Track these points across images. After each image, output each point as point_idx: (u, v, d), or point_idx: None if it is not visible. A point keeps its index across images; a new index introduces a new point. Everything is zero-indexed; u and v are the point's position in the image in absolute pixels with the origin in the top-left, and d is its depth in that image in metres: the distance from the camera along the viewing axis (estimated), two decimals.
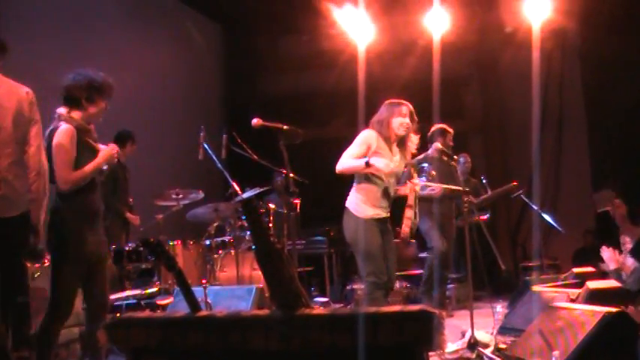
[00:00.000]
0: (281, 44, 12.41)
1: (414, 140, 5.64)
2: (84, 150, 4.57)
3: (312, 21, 9.51)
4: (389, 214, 5.58)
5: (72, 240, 4.53)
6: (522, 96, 9.76)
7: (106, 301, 4.82)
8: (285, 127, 5.16)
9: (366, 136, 5.49)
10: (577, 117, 11.01)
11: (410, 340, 2.94)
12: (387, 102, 5.62)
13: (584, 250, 10.06)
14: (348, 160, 5.42)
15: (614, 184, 9.91)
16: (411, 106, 5.56)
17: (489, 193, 9.05)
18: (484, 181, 9.20)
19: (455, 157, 5.98)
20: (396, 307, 3.20)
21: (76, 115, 4.62)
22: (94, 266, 4.68)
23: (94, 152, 4.65)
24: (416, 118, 5.58)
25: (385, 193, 5.49)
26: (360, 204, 5.45)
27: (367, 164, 5.30)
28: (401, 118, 5.48)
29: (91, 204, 4.65)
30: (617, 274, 5.79)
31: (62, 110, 4.63)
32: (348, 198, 5.57)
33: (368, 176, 5.44)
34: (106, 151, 4.70)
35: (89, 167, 4.55)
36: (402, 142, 5.59)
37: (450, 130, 7.31)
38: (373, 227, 5.42)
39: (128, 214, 7.65)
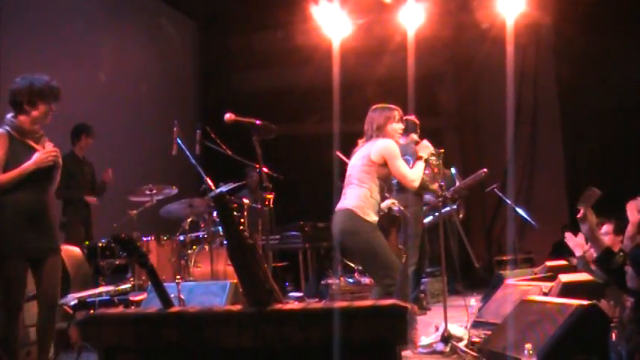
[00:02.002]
0: (255, 40, 12.38)
1: (413, 140, 5.66)
2: (20, 152, 4.76)
3: (287, 17, 9.52)
4: None
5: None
6: (497, 92, 9.80)
7: (50, 298, 4.92)
8: (257, 122, 5.15)
9: (397, 148, 5.43)
10: (551, 112, 11.07)
11: (382, 335, 2.94)
12: (375, 107, 5.55)
13: (561, 244, 10.12)
14: (413, 172, 5.40)
15: (588, 179, 10.03)
16: (399, 110, 5.55)
17: (458, 183, 9.10)
18: (454, 172, 9.24)
19: (440, 150, 5.97)
20: (368, 302, 3.21)
21: (22, 118, 4.81)
22: (37, 263, 4.82)
23: (32, 154, 4.80)
24: (415, 121, 5.60)
25: (382, 194, 5.50)
26: (367, 208, 5.32)
27: (422, 159, 5.45)
28: (396, 124, 5.47)
29: (19, 203, 4.76)
30: (583, 262, 5.82)
31: (8, 115, 4.85)
32: (352, 202, 5.37)
33: (377, 182, 5.39)
34: (39, 155, 4.80)
35: (14, 172, 4.71)
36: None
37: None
38: (378, 230, 5.38)
39: (87, 198, 7.62)
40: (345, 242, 5.48)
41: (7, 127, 4.79)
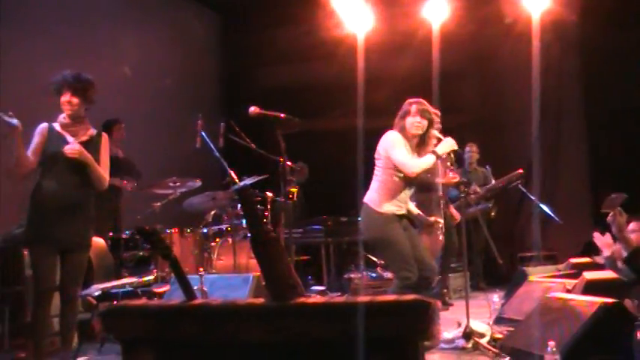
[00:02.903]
0: (279, 34, 12.36)
1: (433, 137, 5.62)
2: (52, 144, 4.97)
3: (311, 11, 9.48)
4: (406, 212, 5.55)
5: (29, 224, 4.95)
6: (521, 88, 9.72)
7: (70, 292, 5.02)
8: (282, 115, 5.15)
9: (397, 137, 5.47)
10: (576, 109, 10.98)
11: (405, 330, 2.93)
12: (407, 101, 5.62)
13: (591, 243, 10.05)
14: (414, 160, 5.40)
15: (612, 177, 9.95)
16: (422, 104, 5.52)
17: (493, 182, 9.08)
18: (488, 169, 9.22)
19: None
20: (391, 297, 3.20)
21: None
22: (64, 255, 4.95)
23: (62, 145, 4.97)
24: (432, 115, 5.56)
25: (405, 190, 5.48)
26: (380, 200, 5.40)
27: (436, 154, 5.38)
28: (411, 117, 5.48)
29: (52, 193, 4.91)
30: (611, 261, 5.78)
31: None
32: (368, 195, 5.51)
33: (393, 173, 5.42)
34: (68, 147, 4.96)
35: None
36: (422, 141, 5.58)
37: None
38: (393, 221, 5.39)
39: (115, 182, 7.66)
40: (364, 235, 5.58)
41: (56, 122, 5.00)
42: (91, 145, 5.06)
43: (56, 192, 4.91)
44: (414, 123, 5.46)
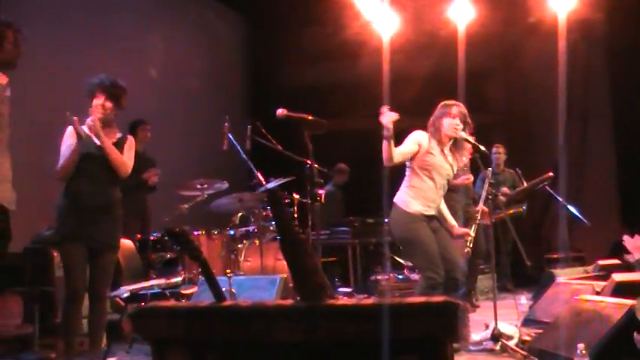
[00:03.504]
0: (304, 35, 12.40)
1: (466, 140, 5.60)
2: (82, 146, 5.04)
3: (336, 12, 9.48)
4: (436, 213, 5.55)
5: (60, 223, 5.04)
6: (547, 88, 9.68)
7: (99, 293, 5.12)
8: (309, 117, 5.16)
9: (417, 136, 5.48)
10: (603, 109, 10.91)
11: (434, 332, 2.93)
12: (441, 103, 5.61)
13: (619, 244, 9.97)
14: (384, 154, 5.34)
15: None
16: (462, 107, 5.52)
17: (525, 184, 9.03)
18: (518, 171, 9.19)
19: (482, 148, 5.92)
20: (420, 299, 3.19)
21: None
22: (93, 255, 5.03)
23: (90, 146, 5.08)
24: (469, 120, 5.55)
25: (435, 191, 5.47)
26: (409, 200, 5.41)
27: (386, 134, 5.20)
28: (450, 119, 5.47)
29: (82, 193, 5.02)
30: None
31: None
32: (397, 194, 5.54)
33: (420, 174, 5.42)
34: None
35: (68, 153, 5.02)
36: (455, 144, 5.57)
37: None
38: (420, 221, 5.39)
39: (144, 176, 7.70)
40: (392, 234, 5.61)
41: (83, 126, 5.06)
42: (118, 147, 5.18)
43: (88, 192, 5.01)
44: (452, 124, 5.46)
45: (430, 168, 5.42)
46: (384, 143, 5.18)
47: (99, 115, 5.06)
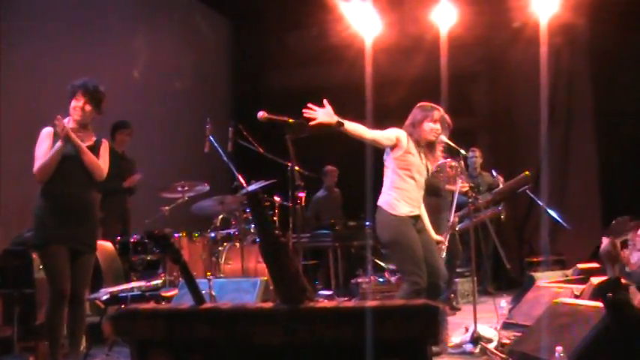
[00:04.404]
0: (289, 39, 12.41)
1: (441, 143, 5.61)
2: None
3: (320, 16, 9.50)
4: (419, 213, 5.54)
5: (37, 226, 5.01)
6: (531, 92, 9.73)
7: (78, 294, 5.07)
8: (291, 120, 5.16)
9: (399, 131, 5.47)
10: (586, 113, 10.96)
11: (413, 334, 2.94)
12: (419, 105, 5.59)
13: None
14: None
15: (622, 181, 9.93)
16: (442, 112, 5.53)
17: (502, 186, 9.06)
18: (495, 175, 9.21)
19: (463, 151, 5.94)
20: (400, 302, 3.21)
21: None
22: (72, 256, 5.00)
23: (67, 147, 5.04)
24: (449, 123, 5.56)
25: (417, 190, 5.47)
26: (394, 202, 5.40)
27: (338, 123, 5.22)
28: (431, 123, 5.46)
29: (61, 195, 4.99)
30: (616, 263, 5.78)
31: None
32: (381, 198, 5.51)
33: (401, 174, 5.43)
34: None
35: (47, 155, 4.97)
36: (430, 147, 5.57)
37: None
38: (408, 225, 5.38)
39: (126, 183, 7.70)
40: (379, 237, 5.60)
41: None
42: (94, 150, 5.14)
43: (66, 194, 4.99)
44: (434, 130, 5.46)
45: (410, 167, 5.41)
46: (347, 130, 5.20)
47: (77, 117, 5.04)
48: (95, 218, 5.20)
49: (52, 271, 4.95)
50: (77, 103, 5.03)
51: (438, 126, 5.45)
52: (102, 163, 5.14)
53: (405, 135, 5.46)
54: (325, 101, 5.16)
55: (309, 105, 5.14)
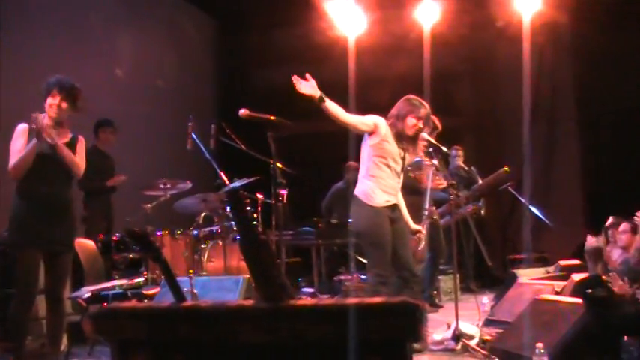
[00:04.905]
0: (272, 37, 12.39)
1: (422, 139, 5.62)
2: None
3: (304, 14, 9.49)
4: (397, 202, 5.55)
5: (13, 226, 4.96)
6: (514, 91, 9.76)
7: (56, 293, 5.06)
8: (272, 117, 5.16)
9: (378, 119, 5.49)
10: (568, 111, 11.03)
11: (393, 332, 2.94)
12: (407, 97, 5.61)
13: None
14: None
15: (604, 179, 9.98)
16: (429, 110, 5.52)
17: (480, 182, 9.10)
18: (474, 170, 9.25)
19: (444, 149, 5.96)
20: (380, 299, 3.21)
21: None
22: (49, 257, 4.99)
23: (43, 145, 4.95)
24: (434, 123, 5.56)
25: (393, 178, 5.48)
26: (370, 192, 5.41)
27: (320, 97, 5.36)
28: (415, 119, 5.47)
29: (38, 195, 4.93)
30: (601, 261, 5.83)
31: None
32: (357, 187, 5.54)
33: (377, 162, 5.44)
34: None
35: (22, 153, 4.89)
36: (412, 140, 5.57)
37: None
38: (383, 217, 5.40)
39: (110, 182, 7.70)
40: (352, 226, 5.64)
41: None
42: (70, 147, 5.10)
43: (43, 193, 4.95)
44: (415, 125, 5.47)
45: (386, 155, 5.43)
46: (327, 108, 5.31)
47: (53, 115, 4.99)
48: (73, 217, 5.15)
49: (24, 274, 4.90)
50: (53, 101, 4.96)
51: (420, 124, 5.46)
52: (79, 160, 5.09)
53: (384, 123, 5.48)
54: (308, 75, 5.17)
55: (294, 76, 5.16)
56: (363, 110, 5.64)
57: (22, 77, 7.54)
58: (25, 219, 4.90)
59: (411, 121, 5.46)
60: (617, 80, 10.09)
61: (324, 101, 5.18)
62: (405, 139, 5.50)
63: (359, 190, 5.48)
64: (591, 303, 4.27)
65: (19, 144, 4.93)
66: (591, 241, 5.35)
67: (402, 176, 5.58)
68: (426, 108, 5.50)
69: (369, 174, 5.46)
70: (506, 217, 11.28)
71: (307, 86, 5.16)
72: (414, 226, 5.74)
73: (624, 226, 6.14)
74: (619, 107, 10.15)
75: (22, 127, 4.98)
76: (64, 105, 4.99)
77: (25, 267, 4.88)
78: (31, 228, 4.88)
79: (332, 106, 5.22)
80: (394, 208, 5.48)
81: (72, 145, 5.11)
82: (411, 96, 5.59)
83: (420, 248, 5.75)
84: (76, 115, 5.20)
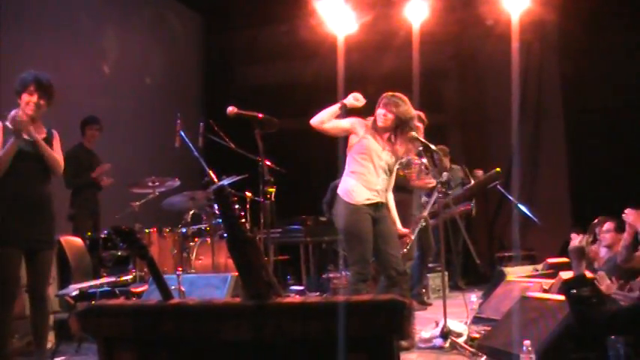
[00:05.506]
0: (260, 34, 12.37)
1: (411, 136, 5.63)
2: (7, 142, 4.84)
3: (292, 11, 9.49)
4: (383, 200, 5.55)
5: None
6: (501, 88, 9.79)
7: (39, 291, 5.00)
8: (260, 115, 5.16)
9: (354, 120, 5.55)
10: (555, 109, 11.05)
11: (380, 329, 2.94)
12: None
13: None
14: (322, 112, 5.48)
15: (591, 177, 10.01)
16: (394, 97, 5.50)
17: (472, 182, 9.11)
18: (465, 169, 9.25)
19: (433, 147, 5.97)
20: (366, 297, 3.21)
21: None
22: (30, 255, 4.92)
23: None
24: (420, 117, 5.56)
25: (375, 174, 5.47)
26: (351, 190, 5.43)
27: (343, 104, 5.44)
28: (380, 109, 5.50)
29: (16, 193, 4.87)
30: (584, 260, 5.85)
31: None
32: (340, 185, 5.56)
33: (357, 159, 5.45)
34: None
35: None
36: (397, 136, 5.57)
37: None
38: (363, 214, 5.39)
39: (94, 174, 7.68)
40: (336, 226, 5.66)
41: (6, 122, 4.88)
42: (47, 143, 5.04)
43: (21, 192, 4.89)
44: (379, 114, 5.50)
45: (366, 151, 5.45)
46: (332, 107, 5.42)
47: (30, 112, 4.89)
48: (52, 213, 5.07)
49: (2, 273, 4.86)
50: (31, 98, 4.86)
51: (383, 111, 5.47)
52: (57, 155, 5.06)
53: (360, 122, 5.53)
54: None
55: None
56: (350, 108, 5.65)
57: (10, 75, 7.50)
58: (2, 217, 4.85)
59: (379, 111, 5.50)
60: (604, 78, 10.12)
61: (340, 106, 5.47)
62: (379, 132, 5.51)
63: (341, 189, 5.52)
64: (576, 303, 4.28)
65: None
66: (575, 239, 5.36)
67: (390, 174, 5.57)
68: (386, 96, 5.51)
69: (350, 170, 5.50)
70: (494, 215, 11.31)
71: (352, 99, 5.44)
72: (402, 230, 5.75)
73: (608, 225, 6.17)
74: (606, 105, 10.17)
75: None
76: (42, 102, 4.91)
77: (4, 266, 4.83)
78: (9, 226, 4.83)
79: (333, 111, 5.40)
80: (378, 206, 5.47)
81: (48, 141, 5.04)
82: (386, 94, 5.60)
83: (404, 251, 5.76)
84: (59, 112, 5.15)
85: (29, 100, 4.88)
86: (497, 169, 8.34)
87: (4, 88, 7.21)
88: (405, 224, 5.85)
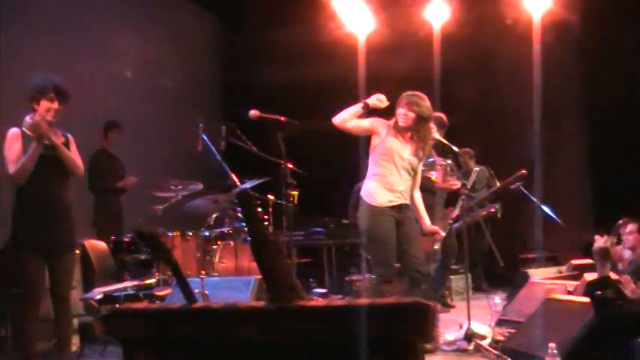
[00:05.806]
0: (280, 35, 12.37)
1: (431, 135, 5.63)
2: (26, 148, 4.89)
3: (311, 12, 9.48)
4: (407, 201, 5.55)
5: (15, 230, 4.95)
6: (522, 88, 9.73)
7: (61, 294, 5.06)
8: (282, 118, 5.17)
9: (376, 120, 5.57)
10: (577, 109, 10.98)
11: (404, 332, 2.93)
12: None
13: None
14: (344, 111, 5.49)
15: (614, 177, 9.94)
16: (414, 96, 5.50)
17: (498, 183, 9.06)
18: (491, 171, 9.21)
19: (456, 149, 5.95)
20: (391, 299, 3.20)
21: (35, 116, 4.96)
22: (51, 259, 4.97)
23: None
24: (423, 109, 5.54)
25: (398, 175, 5.46)
26: (373, 192, 5.44)
27: (365, 103, 5.46)
28: (400, 108, 5.50)
29: (37, 197, 4.91)
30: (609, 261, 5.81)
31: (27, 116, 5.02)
32: (362, 188, 5.57)
33: (379, 160, 5.44)
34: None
35: (23, 157, 4.86)
36: (419, 136, 5.56)
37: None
38: (385, 216, 5.40)
39: (120, 183, 7.74)
40: (359, 228, 5.65)
41: (23, 127, 4.94)
42: (65, 147, 5.09)
43: (40, 196, 4.94)
44: (400, 114, 5.49)
45: (388, 152, 5.45)
46: (354, 106, 5.45)
47: (50, 118, 4.93)
48: (72, 217, 5.12)
49: (25, 277, 4.90)
50: (52, 105, 4.92)
51: (404, 110, 5.47)
52: (77, 159, 5.10)
53: (381, 122, 5.54)
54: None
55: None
56: (370, 109, 5.65)
57: (23, 77, 7.54)
58: (24, 222, 4.90)
59: (400, 111, 5.50)
60: (626, 77, 10.04)
61: (362, 106, 5.49)
62: (401, 132, 5.50)
63: (363, 190, 5.54)
64: (600, 304, 4.25)
65: (16, 148, 4.89)
66: (599, 241, 5.32)
67: (414, 174, 5.57)
68: (406, 95, 5.51)
69: (372, 173, 5.51)
70: (516, 216, 11.24)
71: (375, 99, 5.45)
72: (432, 227, 5.73)
73: (631, 226, 6.14)
74: (628, 104, 10.09)
75: (15, 131, 4.95)
76: (61, 109, 4.96)
77: (28, 270, 4.88)
78: (31, 231, 4.87)
79: (355, 110, 5.38)
80: (401, 208, 5.47)
81: (66, 146, 5.10)
82: (406, 93, 5.59)
83: (436, 248, 5.75)
84: (79, 116, 5.19)
85: (50, 107, 4.92)
86: (524, 172, 8.30)
87: (3, 88, 7.28)
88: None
